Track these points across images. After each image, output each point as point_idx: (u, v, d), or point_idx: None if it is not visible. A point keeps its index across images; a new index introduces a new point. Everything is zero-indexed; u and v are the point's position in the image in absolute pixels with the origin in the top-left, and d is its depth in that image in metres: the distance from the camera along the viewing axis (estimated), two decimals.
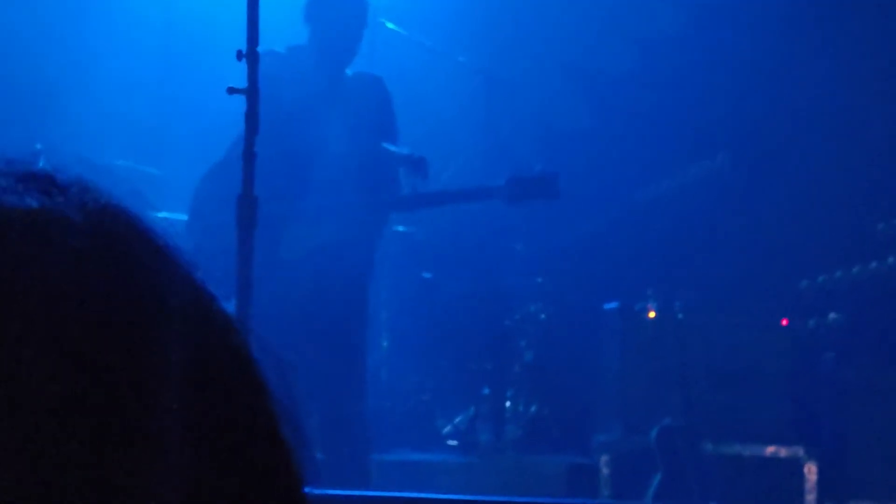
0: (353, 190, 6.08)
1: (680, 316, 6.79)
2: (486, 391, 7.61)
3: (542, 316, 7.70)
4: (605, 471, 6.81)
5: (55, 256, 0.67)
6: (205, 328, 0.72)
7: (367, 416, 6.39)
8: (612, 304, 7.16)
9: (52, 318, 0.66)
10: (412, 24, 7.36)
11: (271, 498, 0.71)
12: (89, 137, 7.53)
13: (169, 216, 6.91)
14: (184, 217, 6.97)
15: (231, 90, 4.47)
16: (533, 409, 7.57)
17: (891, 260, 7.02)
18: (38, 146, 0.73)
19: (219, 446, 0.69)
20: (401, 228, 7.37)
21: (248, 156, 4.48)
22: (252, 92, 4.49)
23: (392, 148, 6.11)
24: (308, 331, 5.94)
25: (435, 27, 7.59)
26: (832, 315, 6.92)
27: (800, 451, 6.63)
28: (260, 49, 5.35)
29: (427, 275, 7.36)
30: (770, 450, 6.70)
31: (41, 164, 0.71)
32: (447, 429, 7.74)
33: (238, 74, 4.51)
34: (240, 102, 4.49)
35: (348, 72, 6.23)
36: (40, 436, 0.64)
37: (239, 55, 4.47)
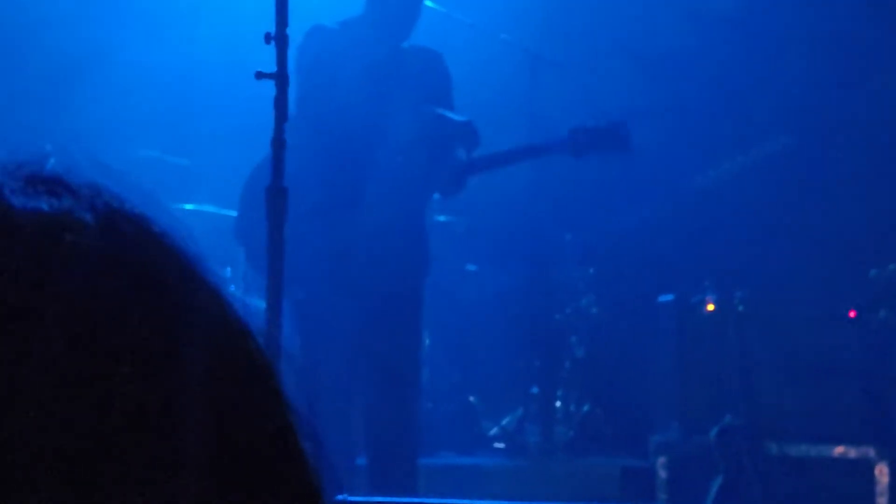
0: (413, 167, 6.10)
1: (740, 308, 6.75)
2: (535, 390, 7.64)
3: (594, 310, 7.75)
4: (661, 474, 6.79)
5: (64, 258, 0.70)
6: (221, 334, 0.74)
7: (417, 418, 6.38)
8: (668, 297, 7.18)
9: (61, 321, 0.68)
10: (452, 0, 7.45)
11: None
12: (116, 128, 7.71)
13: (197, 208, 7.27)
14: (211, 208, 7.28)
15: (259, 75, 4.50)
16: (585, 408, 7.63)
17: None
18: (49, 147, 0.76)
19: (232, 456, 0.71)
20: (442, 219, 7.43)
21: (278, 143, 4.50)
22: (281, 76, 4.52)
23: (447, 114, 6.25)
24: (364, 323, 6.03)
25: (476, 4, 7.72)
26: None
27: (870, 452, 6.61)
28: (309, 26, 6.02)
29: (471, 267, 7.42)
30: (838, 450, 6.67)
31: (51, 165, 0.74)
32: (493, 431, 7.77)
33: (269, 59, 4.58)
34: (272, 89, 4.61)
35: (405, 45, 6.25)
36: (52, 439, 0.66)
37: (267, 38, 4.51)
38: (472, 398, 7.87)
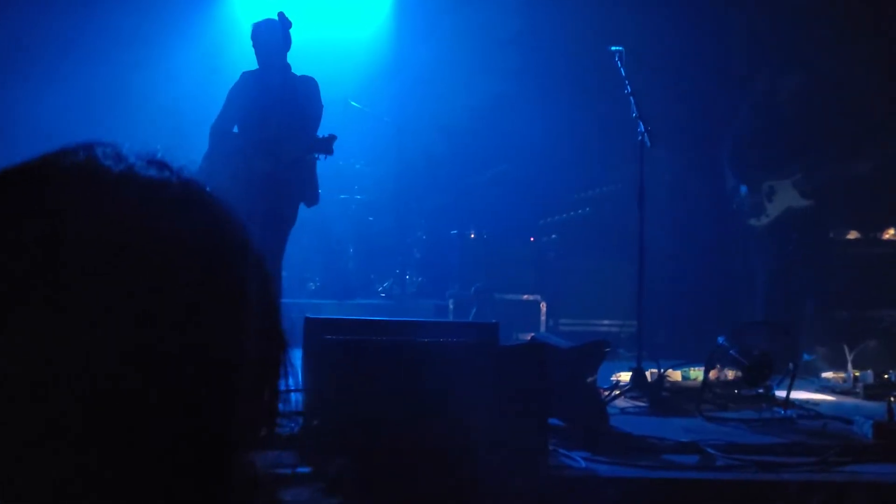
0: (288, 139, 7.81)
1: None
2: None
3: None
4: None
5: (166, 204, 1.02)
6: (258, 263, 1.09)
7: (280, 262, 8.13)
8: None
9: (159, 234, 0.99)
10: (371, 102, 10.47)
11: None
12: None
13: None
14: None
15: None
16: None
17: None
18: (158, 147, 1.06)
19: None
20: None
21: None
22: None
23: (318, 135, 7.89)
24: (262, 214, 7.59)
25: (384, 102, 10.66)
26: None
27: None
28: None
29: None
30: None
31: (160, 155, 1.08)
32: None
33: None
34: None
35: (296, 73, 7.96)
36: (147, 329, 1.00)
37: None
38: None
